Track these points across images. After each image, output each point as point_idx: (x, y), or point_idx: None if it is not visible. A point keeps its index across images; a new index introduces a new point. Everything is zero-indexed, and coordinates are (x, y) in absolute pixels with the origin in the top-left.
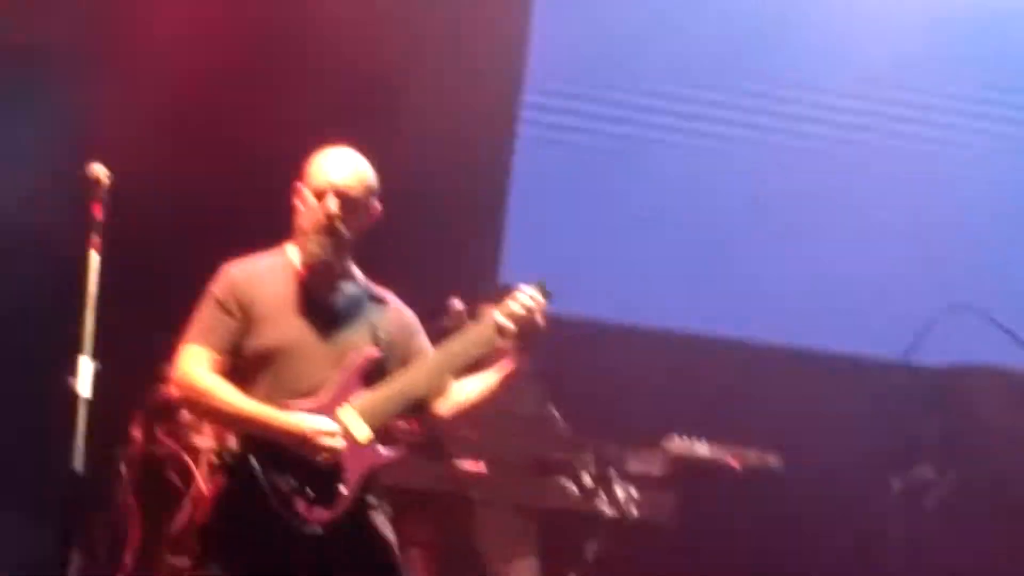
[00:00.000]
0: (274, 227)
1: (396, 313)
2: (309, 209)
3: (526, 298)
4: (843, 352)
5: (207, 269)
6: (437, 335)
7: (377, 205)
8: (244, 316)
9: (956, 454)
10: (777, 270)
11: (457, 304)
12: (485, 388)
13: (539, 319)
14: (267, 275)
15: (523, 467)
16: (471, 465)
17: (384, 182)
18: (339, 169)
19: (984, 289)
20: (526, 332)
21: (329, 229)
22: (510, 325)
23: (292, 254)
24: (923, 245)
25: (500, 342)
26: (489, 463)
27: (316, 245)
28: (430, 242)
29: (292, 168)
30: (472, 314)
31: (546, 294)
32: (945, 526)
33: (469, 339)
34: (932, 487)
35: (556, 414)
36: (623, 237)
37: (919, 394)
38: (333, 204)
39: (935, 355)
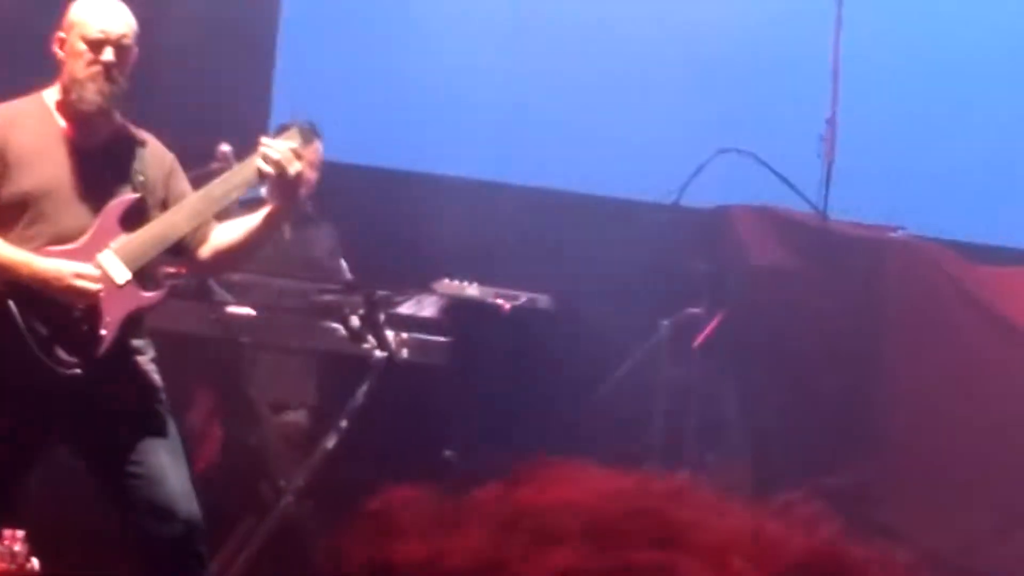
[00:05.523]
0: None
1: (155, 155)
2: (79, 58)
3: (286, 141)
4: (613, 195)
5: None
6: (205, 178)
7: (136, 48)
8: None
9: (724, 293)
10: (547, 116)
11: (225, 147)
12: (247, 231)
13: (297, 162)
14: (22, 121)
15: (292, 311)
16: (242, 309)
17: (152, 25)
18: (112, 19)
19: (752, 132)
20: (285, 175)
21: (109, 79)
22: (268, 168)
23: (49, 100)
24: (691, 89)
25: (260, 183)
26: (259, 307)
27: (94, 92)
28: (198, 83)
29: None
30: (240, 157)
31: (312, 135)
32: (711, 364)
33: (230, 182)
34: (701, 326)
35: (344, 266)
36: (394, 80)
37: (688, 236)
38: (110, 55)
39: (705, 198)
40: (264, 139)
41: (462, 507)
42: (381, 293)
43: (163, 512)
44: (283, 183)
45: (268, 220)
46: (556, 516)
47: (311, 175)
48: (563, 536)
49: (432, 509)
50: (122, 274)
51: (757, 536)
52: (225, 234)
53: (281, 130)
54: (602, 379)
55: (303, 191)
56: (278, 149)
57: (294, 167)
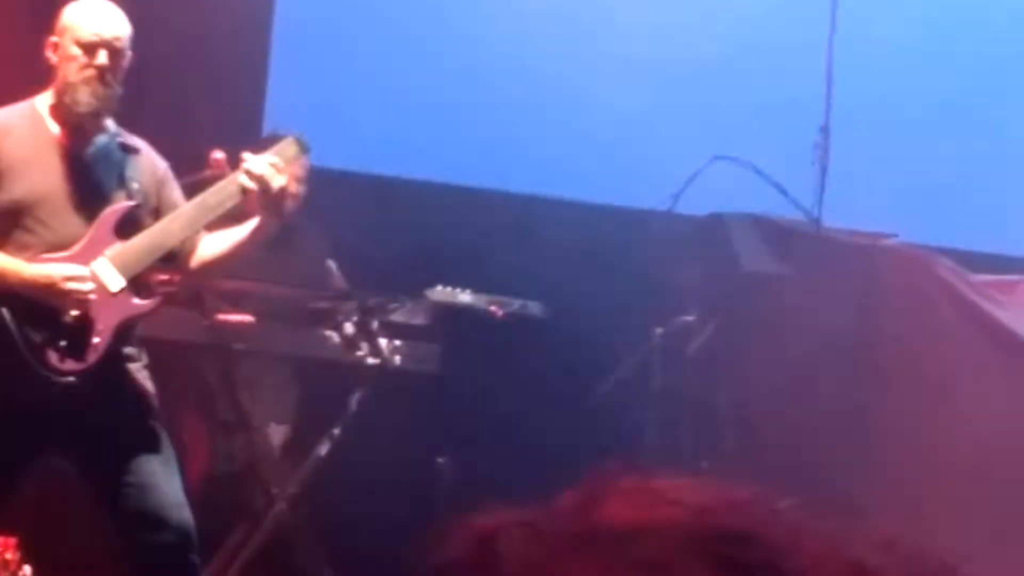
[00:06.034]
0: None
1: (148, 163)
2: (73, 62)
3: (269, 157)
4: (607, 203)
5: None
6: (199, 186)
7: (130, 52)
8: None
9: (717, 301)
10: (540, 122)
11: (218, 154)
12: (234, 243)
13: (280, 177)
14: (14, 129)
15: (285, 318)
16: (235, 316)
17: (146, 31)
18: (105, 22)
19: (746, 139)
20: (268, 190)
21: (103, 82)
22: (251, 184)
23: (42, 106)
24: (685, 96)
25: (243, 197)
26: (253, 314)
27: (88, 95)
28: (191, 90)
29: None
30: (233, 163)
31: (301, 147)
32: (704, 371)
33: (225, 191)
34: (694, 334)
35: (334, 267)
36: (387, 86)
37: (681, 243)
38: (104, 57)
39: (699, 205)
40: (247, 155)
41: (559, 532)
42: (374, 300)
43: (155, 521)
44: (267, 197)
45: (255, 233)
46: (667, 540)
47: (297, 189)
48: (677, 565)
49: (529, 535)
50: (116, 282)
51: (863, 567)
52: (213, 245)
53: (269, 141)
54: (595, 386)
55: (288, 204)
56: (261, 164)
57: (277, 181)
